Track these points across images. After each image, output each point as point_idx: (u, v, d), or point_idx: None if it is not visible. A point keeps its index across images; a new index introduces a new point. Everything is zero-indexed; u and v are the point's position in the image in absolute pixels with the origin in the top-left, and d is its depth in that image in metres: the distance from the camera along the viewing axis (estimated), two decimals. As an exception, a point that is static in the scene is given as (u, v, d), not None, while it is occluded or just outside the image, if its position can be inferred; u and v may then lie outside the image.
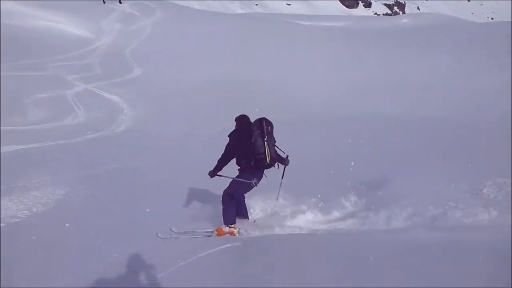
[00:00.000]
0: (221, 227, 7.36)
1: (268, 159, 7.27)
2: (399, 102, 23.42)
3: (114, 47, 36.64)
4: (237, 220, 7.48)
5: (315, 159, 13.25)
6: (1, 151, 14.32)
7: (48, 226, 8.32)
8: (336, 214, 8.52)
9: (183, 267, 6.08)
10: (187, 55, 34.10)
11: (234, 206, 7.34)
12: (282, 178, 7.87)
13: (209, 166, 7.73)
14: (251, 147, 7.20)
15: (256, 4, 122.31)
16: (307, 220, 8.18)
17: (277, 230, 7.49)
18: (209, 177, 7.66)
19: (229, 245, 6.88)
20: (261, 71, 29.51)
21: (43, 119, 18.89)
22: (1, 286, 5.07)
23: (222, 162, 7.55)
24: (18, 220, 8.60)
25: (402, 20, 56.97)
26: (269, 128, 7.42)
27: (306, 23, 50.34)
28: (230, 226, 7.28)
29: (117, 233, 7.93)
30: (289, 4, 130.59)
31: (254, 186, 7.40)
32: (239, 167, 7.53)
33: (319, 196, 9.09)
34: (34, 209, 9.22)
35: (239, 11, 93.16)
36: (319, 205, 8.76)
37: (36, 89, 22.82)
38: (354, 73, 29.28)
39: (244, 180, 7.30)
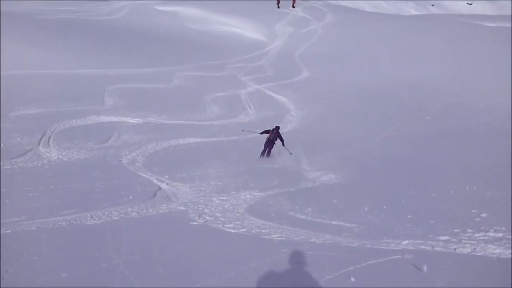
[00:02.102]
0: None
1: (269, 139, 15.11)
2: None
3: (285, 50, 38.08)
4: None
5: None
6: (182, 142, 15.99)
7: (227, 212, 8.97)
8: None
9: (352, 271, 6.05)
10: (356, 58, 33.67)
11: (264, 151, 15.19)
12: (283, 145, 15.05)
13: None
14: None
15: (432, 5, 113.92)
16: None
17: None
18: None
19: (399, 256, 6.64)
20: (434, 76, 27.58)
21: (218, 116, 20.50)
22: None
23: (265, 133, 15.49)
24: (195, 205, 9.49)
25: None
26: (274, 130, 15.24)
27: (490, 25, 45.48)
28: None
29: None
30: (470, 4, 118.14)
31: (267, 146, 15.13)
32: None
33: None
34: (213, 198, 10.07)
35: (413, 12, 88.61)
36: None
37: (214, 88, 24.92)
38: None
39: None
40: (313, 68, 31.73)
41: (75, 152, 13.38)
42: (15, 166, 11.54)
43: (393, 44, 36.16)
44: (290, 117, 21.23)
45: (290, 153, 14.44)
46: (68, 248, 6.76)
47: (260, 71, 30.84)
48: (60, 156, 12.83)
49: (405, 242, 7.38)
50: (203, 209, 9.26)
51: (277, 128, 15.29)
